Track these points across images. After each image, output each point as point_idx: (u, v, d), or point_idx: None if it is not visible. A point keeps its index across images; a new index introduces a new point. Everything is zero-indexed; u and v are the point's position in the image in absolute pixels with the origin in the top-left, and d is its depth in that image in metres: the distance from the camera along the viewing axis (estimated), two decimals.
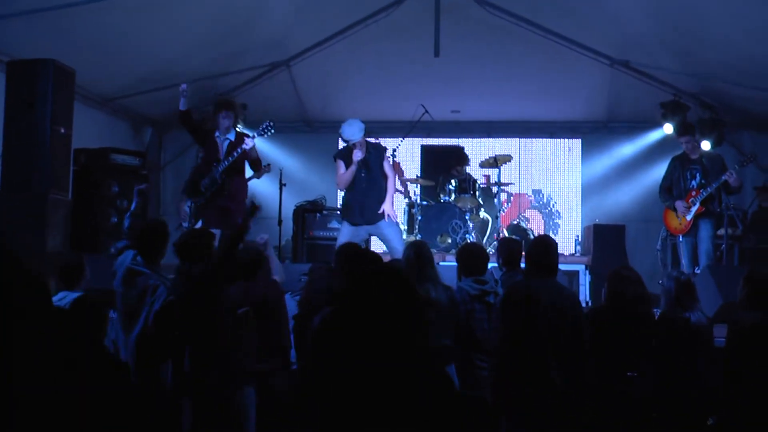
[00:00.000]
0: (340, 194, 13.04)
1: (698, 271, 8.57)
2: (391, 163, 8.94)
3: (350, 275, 4.13)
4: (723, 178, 8.66)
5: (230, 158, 8.27)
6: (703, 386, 5.24)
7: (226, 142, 8.44)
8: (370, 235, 8.43)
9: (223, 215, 8.29)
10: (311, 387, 3.89)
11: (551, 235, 13.12)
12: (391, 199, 8.62)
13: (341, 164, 8.57)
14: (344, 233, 8.47)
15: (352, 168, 8.41)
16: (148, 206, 9.83)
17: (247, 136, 8.37)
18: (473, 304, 5.86)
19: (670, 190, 9.16)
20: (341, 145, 13.36)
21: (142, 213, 9.31)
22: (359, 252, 5.07)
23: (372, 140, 8.92)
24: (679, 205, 8.92)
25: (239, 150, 8.24)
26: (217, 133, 8.49)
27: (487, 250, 8.30)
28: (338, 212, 11.66)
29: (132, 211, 8.14)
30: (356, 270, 4.20)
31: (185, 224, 9.72)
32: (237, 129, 8.67)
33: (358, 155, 8.35)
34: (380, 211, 8.46)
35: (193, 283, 5.26)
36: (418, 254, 5.87)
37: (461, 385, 5.43)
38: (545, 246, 5.41)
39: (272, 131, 8.32)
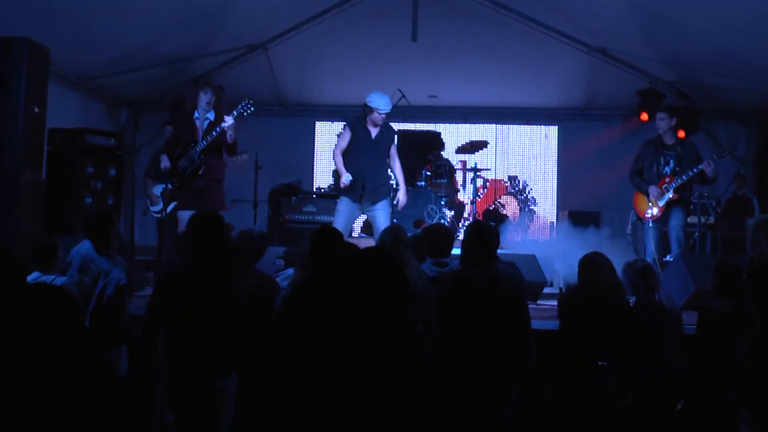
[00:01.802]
0: (317, 176, 13.16)
1: (668, 259, 8.61)
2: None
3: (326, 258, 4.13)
4: (701, 167, 8.61)
5: (209, 137, 8.10)
6: (673, 372, 5.28)
7: (206, 123, 8.30)
8: (362, 214, 8.39)
9: (199, 197, 8.20)
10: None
11: (526, 222, 13.20)
12: (404, 186, 8.52)
13: (347, 134, 8.31)
14: (342, 210, 8.28)
15: (342, 169, 8.21)
16: None
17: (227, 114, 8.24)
18: (431, 286, 5.68)
19: (641, 173, 9.10)
20: (318, 129, 13.50)
21: None
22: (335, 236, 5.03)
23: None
24: (653, 190, 8.87)
25: (218, 129, 8.07)
26: (196, 114, 8.36)
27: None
28: (314, 195, 11.66)
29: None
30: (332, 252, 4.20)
31: (155, 208, 9.47)
32: (216, 110, 8.53)
33: (346, 181, 8.14)
34: (395, 201, 8.45)
35: (216, 263, 5.11)
36: (395, 239, 5.68)
37: None
38: (478, 233, 5.29)
39: (252, 109, 8.09)
